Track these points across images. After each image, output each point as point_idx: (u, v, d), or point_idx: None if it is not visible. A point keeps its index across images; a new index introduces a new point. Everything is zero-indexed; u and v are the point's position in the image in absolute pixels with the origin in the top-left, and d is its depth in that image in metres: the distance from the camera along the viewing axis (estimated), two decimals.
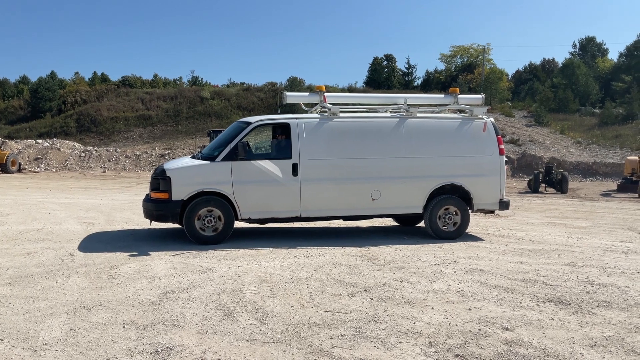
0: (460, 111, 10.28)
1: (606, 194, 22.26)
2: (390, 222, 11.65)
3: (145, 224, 10.53)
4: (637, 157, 23.97)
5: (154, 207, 9.05)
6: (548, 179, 23.20)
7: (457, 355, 4.43)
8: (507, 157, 27.99)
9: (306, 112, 10.06)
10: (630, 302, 5.96)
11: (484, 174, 9.72)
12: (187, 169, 9.14)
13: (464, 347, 4.60)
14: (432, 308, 5.65)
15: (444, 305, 5.76)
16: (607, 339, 4.83)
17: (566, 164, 31.44)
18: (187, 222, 8.84)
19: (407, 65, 63.99)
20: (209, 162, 9.09)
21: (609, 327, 5.16)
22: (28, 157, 34.54)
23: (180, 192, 8.83)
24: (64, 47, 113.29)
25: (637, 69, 55.08)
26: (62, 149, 36.05)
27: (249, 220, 9.27)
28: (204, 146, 15.03)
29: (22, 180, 25.43)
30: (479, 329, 5.03)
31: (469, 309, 5.62)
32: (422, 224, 10.51)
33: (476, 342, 4.71)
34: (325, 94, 9.79)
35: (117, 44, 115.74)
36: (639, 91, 46.70)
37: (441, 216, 9.64)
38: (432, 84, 59.52)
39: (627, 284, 6.70)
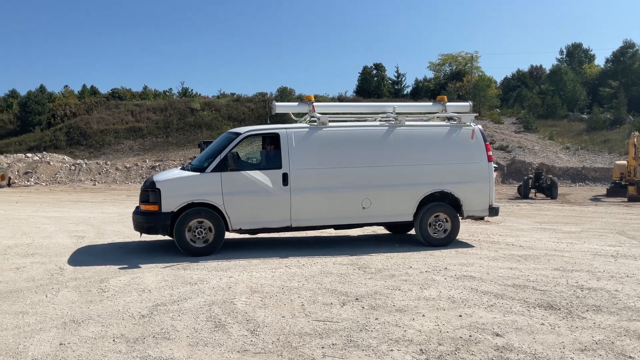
0: (449, 119, 10.35)
1: (595, 199, 22.42)
2: (381, 230, 11.67)
3: (136, 236, 10.48)
4: (625, 162, 24.15)
5: (144, 220, 9.02)
6: (537, 184, 23.32)
7: None
8: (496, 163, 28.15)
9: (296, 122, 10.09)
10: (620, 305, 6.01)
11: (473, 180, 9.78)
12: (177, 181, 9.13)
13: (455, 354, 4.61)
14: (423, 315, 5.66)
15: (435, 312, 5.78)
16: (597, 343, 4.85)
17: (555, 169, 31.65)
18: (178, 233, 8.81)
19: (396, 74, 64.20)
20: (198, 173, 9.08)
21: (599, 331, 5.19)
22: (18, 171, 34.28)
23: (170, 203, 8.81)
24: (52, 60, 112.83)
25: (624, 74, 55.59)
26: (52, 163, 35.82)
27: (240, 231, 9.26)
28: (194, 157, 15.00)
29: (11, 195, 25.23)
30: (470, 335, 5.04)
31: (460, 316, 5.64)
32: (412, 231, 10.54)
33: (467, 349, 4.72)
34: (315, 103, 9.83)
35: (106, 56, 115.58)
36: (626, 96, 47.14)
37: (431, 223, 9.68)
38: (421, 92, 59.74)
39: (617, 288, 6.74)
